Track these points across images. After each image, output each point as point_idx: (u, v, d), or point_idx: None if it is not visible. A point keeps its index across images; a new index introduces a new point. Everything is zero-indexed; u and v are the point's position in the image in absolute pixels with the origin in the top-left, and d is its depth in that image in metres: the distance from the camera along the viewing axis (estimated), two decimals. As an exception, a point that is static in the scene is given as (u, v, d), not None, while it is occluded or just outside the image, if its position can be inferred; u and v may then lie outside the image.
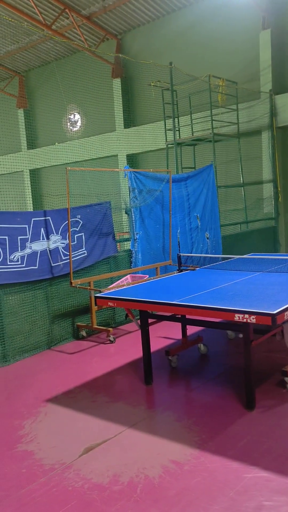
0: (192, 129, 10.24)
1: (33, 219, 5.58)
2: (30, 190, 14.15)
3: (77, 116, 14.72)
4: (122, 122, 13.14)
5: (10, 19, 7.99)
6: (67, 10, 12.08)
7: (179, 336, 5.67)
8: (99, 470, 3.02)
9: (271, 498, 2.62)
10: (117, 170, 7.46)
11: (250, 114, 10.30)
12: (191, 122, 10.21)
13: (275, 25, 10.15)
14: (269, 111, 10.11)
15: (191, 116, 10.20)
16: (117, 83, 13.24)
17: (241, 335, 5.00)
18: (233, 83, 9.91)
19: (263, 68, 10.27)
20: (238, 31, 10.67)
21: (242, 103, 10.14)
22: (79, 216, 6.06)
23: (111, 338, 5.85)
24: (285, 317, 3.45)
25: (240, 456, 3.07)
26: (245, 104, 10.21)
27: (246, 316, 3.40)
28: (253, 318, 3.38)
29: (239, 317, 3.45)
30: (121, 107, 13.11)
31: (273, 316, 3.29)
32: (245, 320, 3.43)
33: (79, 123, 14.68)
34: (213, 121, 9.13)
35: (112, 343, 5.81)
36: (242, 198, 10.03)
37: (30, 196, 13.41)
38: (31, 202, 12.87)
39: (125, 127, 12.99)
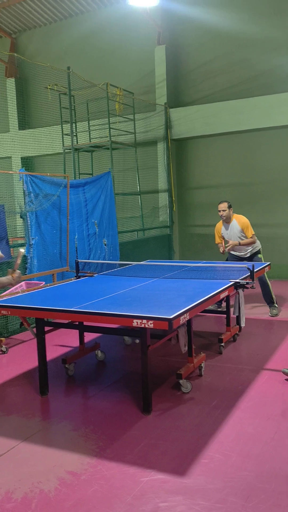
0: (89, 135, 10.24)
1: None
2: None
3: None
4: (17, 123, 12.68)
5: None
6: None
7: (76, 343, 5.59)
8: (-10, 490, 2.83)
9: (167, 499, 2.67)
10: (12, 172, 7.17)
11: (147, 125, 10.59)
12: (89, 129, 10.21)
13: (169, 41, 10.59)
14: (164, 123, 10.49)
15: (88, 123, 10.19)
16: (11, 82, 12.77)
17: (138, 341, 5.07)
18: (130, 93, 10.12)
19: (158, 82, 10.65)
20: (135, 44, 10.95)
21: (139, 114, 10.39)
22: None
23: (3, 348, 5.57)
24: (181, 321, 3.57)
25: (137, 461, 3.09)
26: (142, 115, 10.48)
27: (144, 321, 3.45)
28: (150, 323, 3.44)
29: (137, 322, 3.49)
30: (15, 108, 12.65)
31: (169, 320, 3.38)
32: (143, 325, 3.47)
33: None
34: (111, 129, 9.22)
35: (4, 353, 5.53)
36: (138, 206, 10.25)
37: None
38: None
39: (19, 129, 12.56)
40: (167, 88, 10.51)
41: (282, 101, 9.25)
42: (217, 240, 7.00)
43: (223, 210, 6.72)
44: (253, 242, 6.78)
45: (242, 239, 6.71)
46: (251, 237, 6.69)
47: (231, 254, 7.05)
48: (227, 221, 6.80)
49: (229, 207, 6.76)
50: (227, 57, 10.07)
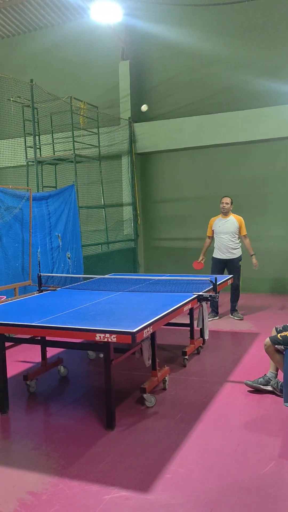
0: (53, 148, 10.17)
1: None
2: None
3: None
4: (-21, 135, 12.47)
5: None
6: None
7: (38, 359, 5.47)
8: None
9: (130, 517, 2.63)
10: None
11: (111, 138, 10.64)
12: (53, 141, 10.15)
13: (133, 57, 10.74)
14: (128, 138, 10.57)
15: (52, 135, 10.14)
16: (-27, 94, 12.60)
17: (101, 355, 5.01)
18: (94, 107, 10.16)
19: (123, 96, 10.75)
20: (99, 58, 11.03)
21: (103, 127, 10.43)
22: None
23: None
24: (144, 335, 3.56)
25: (100, 478, 3.03)
26: (106, 129, 10.52)
27: (107, 335, 3.42)
28: (113, 337, 3.41)
29: (100, 336, 3.45)
30: (-22, 120, 12.47)
31: (133, 334, 3.37)
32: (106, 340, 3.44)
33: None
34: (75, 142, 9.21)
35: None
36: (103, 219, 10.23)
37: None
38: None
39: (-18, 141, 12.36)
40: (131, 103, 10.62)
41: (244, 118, 9.51)
42: (209, 232, 7.62)
43: (227, 203, 7.39)
44: (249, 243, 7.47)
45: (234, 236, 7.36)
46: (244, 235, 7.41)
47: (217, 258, 7.45)
48: (226, 214, 7.43)
49: (231, 202, 7.46)
50: (190, 74, 10.29)
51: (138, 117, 10.71)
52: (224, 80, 9.99)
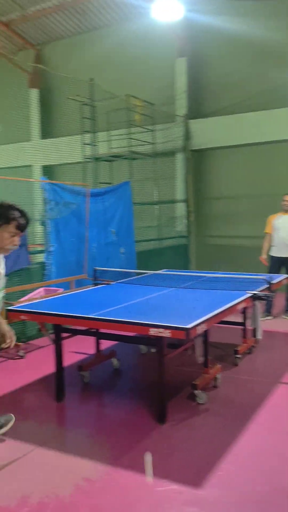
0: (109, 145, 10.35)
1: None
2: None
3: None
4: (39, 132, 12.89)
5: None
6: (-16, 14, 11.70)
7: (92, 350, 5.61)
8: (6, 492, 2.86)
9: (182, 510, 2.67)
10: (34, 180, 7.29)
11: (166, 135, 10.67)
12: (109, 139, 10.32)
13: (190, 54, 10.69)
14: (183, 134, 10.56)
15: (109, 133, 10.31)
16: (34, 93, 13.02)
17: (153, 350, 5.07)
18: (150, 104, 10.22)
19: (179, 93, 10.74)
20: (156, 56, 11.07)
21: (158, 125, 10.47)
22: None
23: (21, 353, 5.63)
24: (198, 331, 3.57)
25: (152, 470, 3.08)
26: (161, 126, 10.56)
27: (161, 330, 3.47)
28: (167, 332, 3.45)
29: (154, 331, 3.50)
30: (38, 118, 12.88)
31: (187, 330, 3.39)
32: (159, 334, 3.49)
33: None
34: (131, 139, 9.32)
35: (21, 358, 5.58)
36: (156, 216, 10.29)
37: None
38: None
39: (41, 138, 12.77)
40: (187, 100, 10.60)
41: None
42: (268, 230, 7.49)
43: None
44: None
45: None
46: None
47: (276, 256, 7.31)
48: (287, 211, 7.30)
49: None
50: (248, 68, 10.11)
51: (193, 113, 10.66)
52: (284, 75, 9.73)
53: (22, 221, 2.83)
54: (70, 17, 11.78)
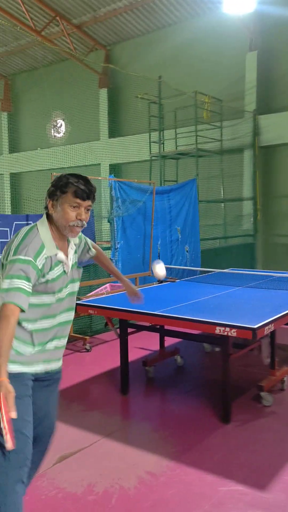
0: (176, 143, 10.36)
1: (15, 222, 5.51)
2: (9, 194, 13.99)
3: (62, 123, 14.70)
4: (107, 131, 13.18)
5: (0, 21, 7.95)
6: (57, 18, 12.12)
7: (156, 347, 5.66)
8: (73, 480, 2.97)
9: (246, 511, 2.63)
10: (102, 178, 7.47)
11: (234, 132, 10.49)
12: (176, 136, 10.33)
13: (262, 47, 10.42)
14: (252, 131, 10.32)
15: (175, 130, 10.32)
16: (103, 93, 13.31)
17: (218, 349, 5.02)
18: (218, 100, 10.10)
19: (248, 88, 10.51)
20: (225, 51, 10.91)
21: (226, 121, 10.32)
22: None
23: (87, 346, 5.80)
24: (265, 332, 3.49)
25: (215, 469, 3.07)
26: (229, 122, 10.40)
27: (227, 329, 3.43)
28: (233, 332, 3.41)
29: (220, 330, 3.47)
30: (107, 117, 13.17)
31: (253, 330, 3.33)
32: (225, 333, 3.45)
33: (63, 130, 14.65)
34: (197, 137, 9.26)
35: (88, 351, 5.75)
36: (222, 214, 10.16)
37: (9, 200, 13.25)
38: (10, 205, 12.71)
39: (109, 137, 13.04)
40: (256, 95, 10.35)
41: None
42: None
43: None
44: None
45: None
46: None
47: None
48: None
49: None
50: None
51: (263, 109, 10.39)
52: None
53: (81, 185, 2.11)
54: (139, 16, 11.90)
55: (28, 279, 1.98)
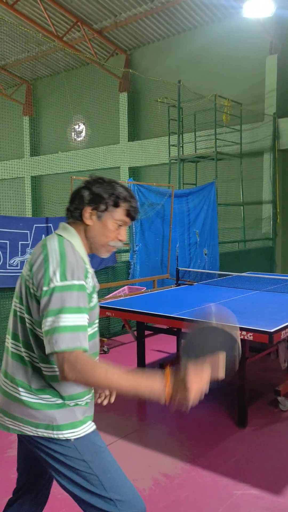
0: (195, 146, 10.37)
1: (35, 225, 5.61)
2: (30, 197, 14.20)
3: (82, 127, 14.86)
4: (127, 135, 13.27)
5: (23, 27, 8.10)
6: (79, 23, 12.28)
7: (173, 350, 5.68)
8: (89, 479, 3.01)
9: (261, 515, 2.63)
10: (121, 182, 7.53)
11: (253, 135, 10.45)
12: (195, 140, 10.34)
13: (282, 50, 10.37)
14: (272, 134, 10.27)
15: (195, 134, 10.33)
16: (123, 97, 13.42)
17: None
18: (238, 104, 10.08)
19: (268, 92, 10.47)
20: (245, 54, 10.89)
21: (245, 124, 10.29)
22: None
23: (105, 348, 5.85)
24: (282, 336, 3.48)
25: (230, 473, 3.07)
26: (248, 125, 10.36)
27: (244, 333, 3.43)
28: (250, 336, 3.41)
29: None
30: (126, 121, 13.26)
31: (270, 334, 3.33)
32: (242, 337, 3.45)
33: (83, 134, 14.81)
34: (217, 140, 9.26)
35: (105, 353, 5.80)
36: (241, 217, 10.12)
37: (30, 203, 13.46)
38: (31, 208, 12.92)
39: (129, 140, 13.13)
40: (276, 98, 10.30)
41: None
42: None
43: None
44: None
45: None
46: None
47: None
48: None
49: None
50: None
51: (283, 112, 10.33)
52: None
53: (134, 203, 1.77)
54: (160, 20, 11.96)
55: (87, 310, 1.60)
